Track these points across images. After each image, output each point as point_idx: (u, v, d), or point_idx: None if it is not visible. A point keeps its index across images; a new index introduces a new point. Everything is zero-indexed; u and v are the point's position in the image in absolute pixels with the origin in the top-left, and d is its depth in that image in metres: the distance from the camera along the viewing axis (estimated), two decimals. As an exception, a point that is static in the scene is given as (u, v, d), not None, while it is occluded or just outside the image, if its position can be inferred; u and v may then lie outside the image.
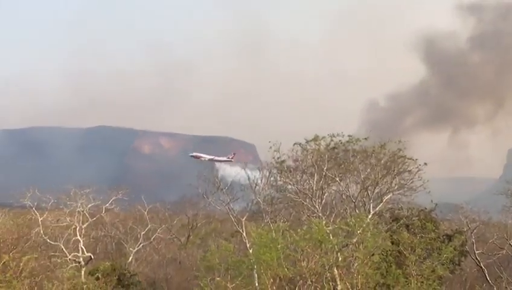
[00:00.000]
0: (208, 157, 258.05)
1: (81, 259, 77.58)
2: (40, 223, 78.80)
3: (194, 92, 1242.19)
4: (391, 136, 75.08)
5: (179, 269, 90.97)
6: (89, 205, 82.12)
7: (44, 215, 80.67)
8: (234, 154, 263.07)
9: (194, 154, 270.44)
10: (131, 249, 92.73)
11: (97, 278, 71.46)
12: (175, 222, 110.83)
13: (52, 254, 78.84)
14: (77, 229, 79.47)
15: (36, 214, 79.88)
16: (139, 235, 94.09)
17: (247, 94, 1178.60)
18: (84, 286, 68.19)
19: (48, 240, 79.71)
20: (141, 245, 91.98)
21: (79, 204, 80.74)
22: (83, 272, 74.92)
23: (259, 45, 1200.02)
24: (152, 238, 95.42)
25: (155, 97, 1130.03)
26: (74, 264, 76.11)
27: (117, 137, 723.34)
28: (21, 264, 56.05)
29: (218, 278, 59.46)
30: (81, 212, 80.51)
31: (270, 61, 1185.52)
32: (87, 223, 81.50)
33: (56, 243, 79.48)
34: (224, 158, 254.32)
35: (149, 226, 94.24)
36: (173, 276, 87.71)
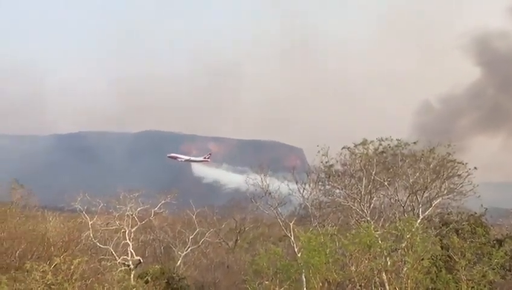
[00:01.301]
0: (185, 158, 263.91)
1: (130, 262, 78.09)
2: (90, 226, 79.65)
3: (241, 95, 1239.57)
4: (444, 139, 74.40)
5: (227, 273, 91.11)
6: (138, 209, 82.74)
7: (94, 218, 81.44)
8: (210, 154, 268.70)
9: (172, 155, 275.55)
10: (179, 252, 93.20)
11: (146, 282, 71.93)
12: (223, 226, 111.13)
13: (102, 257, 79.50)
14: (126, 232, 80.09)
15: (86, 218, 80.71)
16: (187, 239, 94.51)
17: (294, 97, 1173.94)
18: (134, 289, 68.73)
19: (98, 244, 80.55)
20: (189, 249, 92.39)
21: (128, 208, 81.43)
22: (132, 276, 75.41)
23: (308, 46, 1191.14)
24: (200, 242, 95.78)
25: (203, 101, 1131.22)
26: (123, 268, 76.62)
27: (165, 141, 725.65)
28: (72, 267, 56.60)
29: (266, 282, 59.47)
30: (130, 216, 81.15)
31: (318, 63, 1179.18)
32: (136, 227, 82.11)
33: (106, 247, 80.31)
34: (201, 158, 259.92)
35: (197, 230, 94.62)
36: (221, 280, 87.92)
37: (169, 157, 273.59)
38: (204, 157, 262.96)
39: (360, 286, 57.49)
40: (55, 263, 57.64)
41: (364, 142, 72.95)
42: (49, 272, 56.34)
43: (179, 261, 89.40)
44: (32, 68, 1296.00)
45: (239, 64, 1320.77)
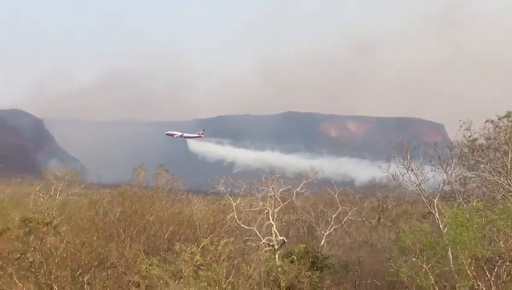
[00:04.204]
0: (179, 134, 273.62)
1: (275, 242, 78.94)
2: (234, 208, 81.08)
3: (380, 72, 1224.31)
4: None
5: (370, 251, 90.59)
6: (280, 190, 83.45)
7: (238, 200, 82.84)
8: (204, 130, 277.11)
9: (169, 132, 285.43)
10: (322, 232, 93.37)
11: (292, 261, 72.69)
12: (365, 204, 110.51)
13: (247, 238, 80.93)
14: (269, 213, 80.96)
15: (230, 200, 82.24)
16: (329, 219, 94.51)
17: (434, 72, 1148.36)
18: (279, 269, 69.64)
19: (242, 225, 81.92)
20: (332, 228, 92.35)
21: (270, 189, 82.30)
22: (277, 256, 76.32)
23: (451, 17, 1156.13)
24: (343, 221, 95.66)
25: (342, 79, 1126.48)
26: (268, 248, 77.69)
27: (304, 122, 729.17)
28: (219, 248, 57.97)
29: (413, 259, 58.87)
30: (273, 197, 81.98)
31: (461, 38, 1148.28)
32: (279, 208, 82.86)
33: (250, 228, 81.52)
34: (195, 135, 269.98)
35: (340, 209, 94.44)
36: (365, 258, 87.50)
37: (166, 134, 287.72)
38: (198, 133, 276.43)
39: (511, 261, 56.00)
40: (203, 244, 59.18)
41: (508, 115, 70.74)
42: (198, 253, 57.90)
43: (323, 241, 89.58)
44: (175, 56, 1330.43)
45: (379, 39, 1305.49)
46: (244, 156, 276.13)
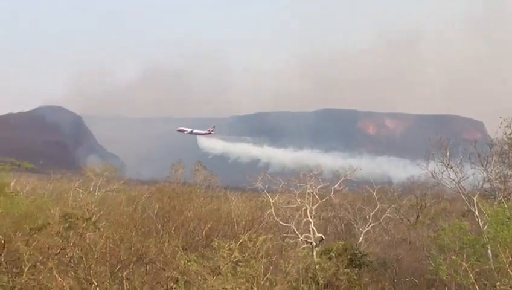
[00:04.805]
0: (189, 130, 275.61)
1: (313, 239, 78.79)
2: (271, 205, 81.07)
3: (417, 69, 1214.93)
4: None
5: (409, 249, 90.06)
6: (318, 187, 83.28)
7: (276, 197, 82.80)
8: (214, 127, 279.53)
9: (179, 128, 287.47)
10: (360, 229, 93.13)
11: (330, 258, 72.52)
12: (404, 202, 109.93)
13: (285, 234, 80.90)
14: (307, 210, 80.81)
15: (268, 197, 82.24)
16: (367, 216, 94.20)
17: (473, 69, 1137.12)
18: (317, 266, 69.51)
19: (280, 222, 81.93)
20: (370, 225, 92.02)
21: (308, 186, 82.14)
22: (314, 252, 76.18)
23: (489, 20, 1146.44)
24: (381, 219, 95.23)
25: (379, 77, 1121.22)
26: (306, 245, 77.57)
27: (342, 119, 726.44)
28: (257, 244, 57.96)
29: (453, 257, 58.37)
30: (311, 194, 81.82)
31: (500, 36, 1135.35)
32: (317, 205, 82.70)
33: (287, 224, 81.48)
34: (205, 131, 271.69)
35: (378, 206, 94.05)
36: (404, 256, 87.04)
37: (177, 131, 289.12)
38: (209, 130, 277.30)
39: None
40: (241, 240, 59.20)
41: (550, 112, 69.88)
42: (236, 250, 57.95)
43: (361, 238, 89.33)
44: (214, 53, 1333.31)
45: (418, 37, 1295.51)
46: (281, 155, 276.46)
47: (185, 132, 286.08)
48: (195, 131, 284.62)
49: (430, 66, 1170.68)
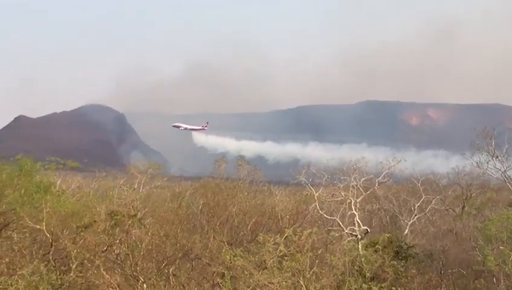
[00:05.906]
0: (184, 126, 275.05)
1: (358, 232, 78.50)
2: (316, 198, 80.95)
3: (459, 58, 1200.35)
4: None
5: (455, 240, 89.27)
6: (362, 179, 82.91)
7: (320, 190, 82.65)
8: (207, 123, 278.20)
9: (175, 124, 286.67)
10: (405, 221, 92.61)
11: (376, 251, 72.14)
12: (449, 192, 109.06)
13: (329, 228, 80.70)
14: (352, 203, 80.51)
15: (312, 190, 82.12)
16: (413, 207, 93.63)
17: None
18: (363, 259, 69.21)
19: (324, 215, 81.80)
20: (416, 217, 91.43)
21: (352, 178, 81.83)
22: (360, 245, 75.86)
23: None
24: (427, 210, 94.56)
25: (421, 66, 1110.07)
26: (351, 238, 77.33)
27: (384, 111, 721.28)
28: (302, 238, 57.94)
29: (501, 247, 57.78)
30: (355, 187, 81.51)
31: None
32: (361, 197, 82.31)
33: (332, 218, 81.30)
34: (199, 127, 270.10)
35: (423, 197, 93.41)
36: (450, 247, 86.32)
37: (173, 126, 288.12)
38: (202, 126, 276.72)
39: None
40: (286, 234, 59.23)
41: None
42: (281, 244, 57.99)
43: (406, 230, 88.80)
44: (254, 46, 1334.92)
45: (460, 25, 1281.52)
46: (320, 154, 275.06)
47: (181, 128, 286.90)
48: (189, 127, 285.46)
49: (473, 55, 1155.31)
